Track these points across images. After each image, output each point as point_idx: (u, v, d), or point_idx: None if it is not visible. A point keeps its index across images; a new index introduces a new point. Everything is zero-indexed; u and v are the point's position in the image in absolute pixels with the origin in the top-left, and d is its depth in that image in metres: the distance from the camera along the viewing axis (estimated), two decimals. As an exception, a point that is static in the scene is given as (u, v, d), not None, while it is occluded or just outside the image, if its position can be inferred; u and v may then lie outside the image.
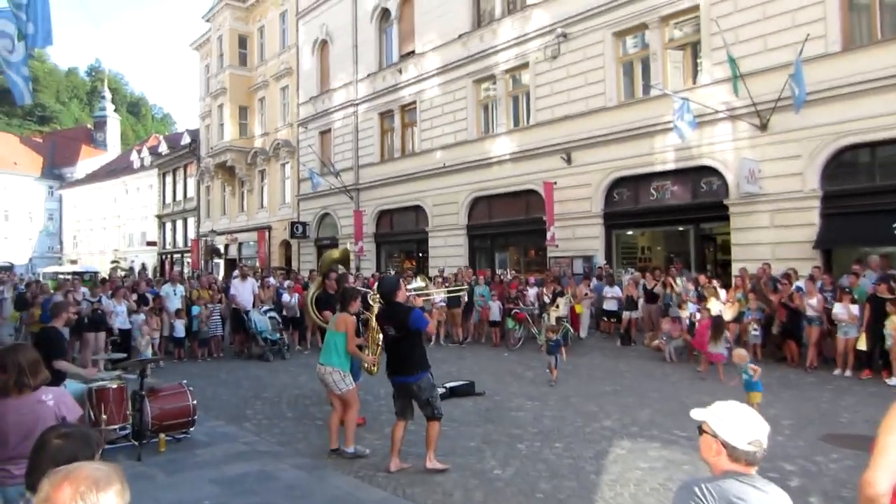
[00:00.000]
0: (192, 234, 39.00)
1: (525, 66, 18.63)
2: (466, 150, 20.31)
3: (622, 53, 16.56)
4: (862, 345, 10.01)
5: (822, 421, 7.48)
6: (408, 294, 6.13)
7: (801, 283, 11.33)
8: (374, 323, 6.43)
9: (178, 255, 41.48)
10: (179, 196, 42.08)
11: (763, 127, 13.14)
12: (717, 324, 10.62)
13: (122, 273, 38.40)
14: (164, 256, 43.39)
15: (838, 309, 10.29)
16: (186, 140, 40.97)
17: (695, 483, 2.19)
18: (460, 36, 20.41)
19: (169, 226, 43.40)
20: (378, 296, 6.26)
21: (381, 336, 6.30)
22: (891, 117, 11.50)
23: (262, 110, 31.91)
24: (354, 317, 6.70)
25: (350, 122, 25.56)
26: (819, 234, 12.57)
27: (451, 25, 20.81)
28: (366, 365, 6.72)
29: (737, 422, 2.21)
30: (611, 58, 16.37)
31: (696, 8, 14.67)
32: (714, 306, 11.48)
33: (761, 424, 2.22)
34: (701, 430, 2.32)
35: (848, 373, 10.12)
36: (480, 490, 5.36)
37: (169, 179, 43.54)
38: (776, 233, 13.15)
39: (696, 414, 2.37)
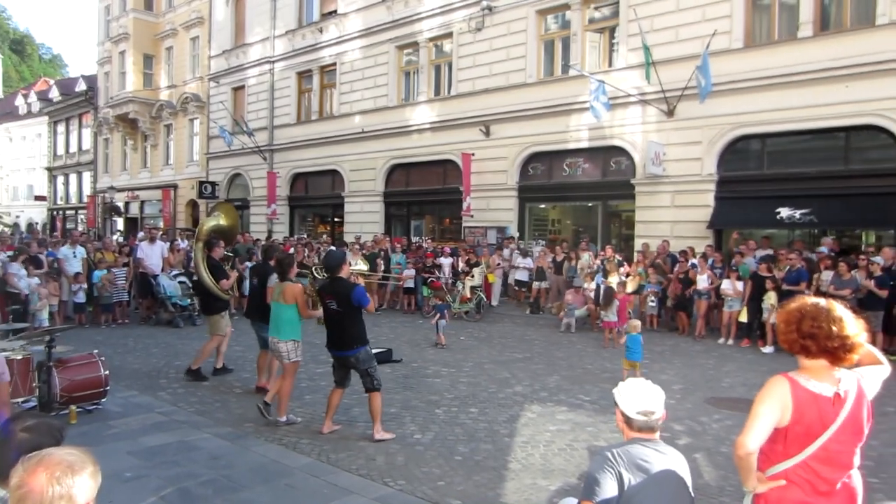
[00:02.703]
0: (87, 190, 36.59)
1: (449, 35, 18.65)
2: (386, 116, 20.20)
3: (544, 31, 16.94)
4: (743, 317, 11.16)
5: (707, 385, 8.28)
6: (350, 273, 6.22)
7: (695, 259, 12.30)
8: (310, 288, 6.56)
9: (72, 212, 38.88)
10: (73, 148, 39.20)
11: (670, 113, 13.96)
12: (608, 294, 11.39)
13: (6, 229, 35.63)
14: (55, 213, 40.50)
15: (725, 284, 11.33)
16: (82, 87, 38.02)
17: (607, 449, 2.53)
18: (384, -1, 20.11)
19: (61, 179, 40.46)
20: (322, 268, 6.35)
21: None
22: (781, 112, 12.58)
23: (170, 60, 30.15)
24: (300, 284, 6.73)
25: (266, 79, 24.69)
26: (713, 216, 13.62)
27: (375, -13, 20.40)
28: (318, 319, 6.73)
29: (630, 394, 2.58)
30: (533, 35, 16.71)
31: (616, -7, 15.18)
32: (613, 280, 12.29)
33: (653, 395, 2.58)
34: (615, 402, 2.66)
35: (730, 342, 11.22)
36: (402, 454, 5.64)
37: (61, 129, 40.41)
38: (676, 212, 14.11)
39: (614, 390, 2.72)
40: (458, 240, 17.87)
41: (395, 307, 15.48)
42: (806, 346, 2.44)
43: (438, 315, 11.02)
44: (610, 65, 15.58)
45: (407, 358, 9.66)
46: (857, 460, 2.46)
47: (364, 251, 15.48)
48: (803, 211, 12.37)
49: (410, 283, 15.04)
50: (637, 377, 2.75)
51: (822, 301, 2.52)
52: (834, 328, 2.39)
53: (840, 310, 2.46)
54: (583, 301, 12.78)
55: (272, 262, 7.76)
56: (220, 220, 9.05)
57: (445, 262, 15.22)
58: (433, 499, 4.72)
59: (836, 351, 2.40)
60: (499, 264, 15.39)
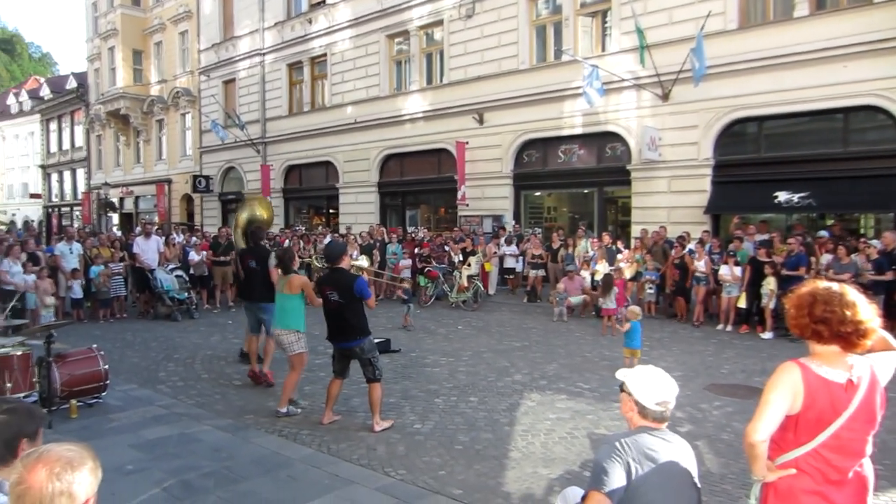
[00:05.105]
0: (82, 187, 36.41)
1: (439, 23, 18.50)
2: (378, 106, 20.08)
3: (535, 16, 16.81)
4: (742, 303, 11.06)
5: (706, 372, 8.25)
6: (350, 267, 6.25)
7: (692, 245, 12.24)
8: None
9: (67, 209, 38.69)
10: (66, 145, 38.94)
11: (665, 97, 13.87)
12: (607, 281, 11.37)
13: (2, 227, 35.55)
14: (50, 210, 40.32)
15: (723, 270, 11.27)
16: (73, 84, 37.74)
17: (615, 438, 2.47)
18: (373, -12, 19.91)
19: (55, 177, 40.22)
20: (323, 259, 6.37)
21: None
22: (777, 94, 12.49)
23: (159, 55, 29.91)
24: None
25: (256, 72, 24.51)
26: (710, 200, 13.56)
27: (364, -24, 20.21)
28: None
29: (648, 384, 2.51)
30: (524, 20, 16.59)
31: (607, -24, 15.05)
32: (601, 268, 12.28)
33: (670, 386, 2.53)
34: (622, 389, 2.61)
35: (729, 328, 11.15)
36: (402, 444, 5.62)
37: (53, 126, 40.14)
38: (672, 198, 14.05)
39: (619, 374, 2.66)
40: (453, 228, 17.81)
41: (392, 297, 15.43)
42: (818, 332, 2.38)
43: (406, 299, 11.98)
44: (603, 49, 15.47)
45: (405, 348, 9.64)
46: (869, 448, 2.40)
47: (360, 241, 15.43)
48: (802, 194, 12.31)
49: (407, 273, 14.98)
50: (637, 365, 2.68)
51: (834, 285, 2.44)
52: (847, 313, 2.32)
53: (853, 294, 2.38)
54: (580, 288, 12.74)
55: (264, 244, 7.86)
56: (256, 210, 9.67)
57: (448, 249, 15.19)
58: (434, 488, 4.70)
59: (849, 336, 2.33)
60: (495, 253, 15.34)
